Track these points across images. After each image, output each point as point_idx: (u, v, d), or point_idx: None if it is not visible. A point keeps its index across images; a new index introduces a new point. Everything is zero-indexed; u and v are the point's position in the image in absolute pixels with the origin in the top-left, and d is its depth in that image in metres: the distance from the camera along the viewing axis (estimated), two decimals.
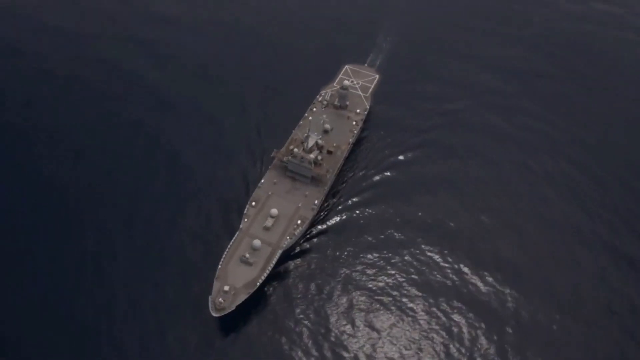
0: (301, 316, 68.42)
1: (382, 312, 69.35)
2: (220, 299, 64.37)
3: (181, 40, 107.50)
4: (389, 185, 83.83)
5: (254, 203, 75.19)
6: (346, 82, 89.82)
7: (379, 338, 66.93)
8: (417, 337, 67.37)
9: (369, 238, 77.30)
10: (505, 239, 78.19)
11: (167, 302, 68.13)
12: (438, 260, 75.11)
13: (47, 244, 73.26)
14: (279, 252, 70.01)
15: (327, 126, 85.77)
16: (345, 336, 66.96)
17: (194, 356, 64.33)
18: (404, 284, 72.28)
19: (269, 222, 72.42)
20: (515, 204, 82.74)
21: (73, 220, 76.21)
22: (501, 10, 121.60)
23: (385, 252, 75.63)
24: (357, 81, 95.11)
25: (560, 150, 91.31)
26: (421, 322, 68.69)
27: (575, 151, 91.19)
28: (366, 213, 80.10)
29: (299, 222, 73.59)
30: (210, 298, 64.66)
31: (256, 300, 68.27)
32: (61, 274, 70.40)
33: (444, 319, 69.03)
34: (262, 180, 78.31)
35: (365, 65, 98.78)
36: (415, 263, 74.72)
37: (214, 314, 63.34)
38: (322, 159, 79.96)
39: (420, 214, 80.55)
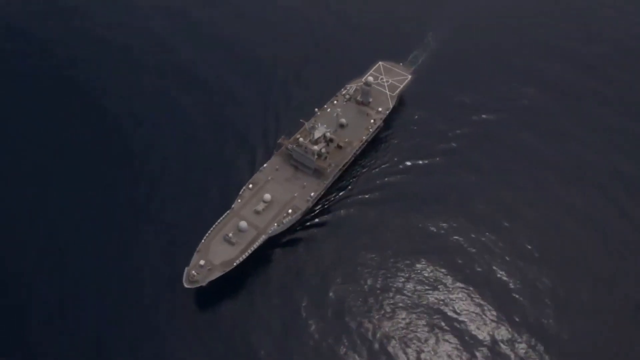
0: (277, 302, 69.40)
1: (360, 308, 69.26)
2: (194, 272, 66.73)
3: (225, 20, 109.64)
4: (397, 189, 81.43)
5: (251, 186, 76.47)
6: (370, 79, 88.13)
7: (349, 331, 67.10)
8: (390, 331, 67.10)
9: (364, 239, 76.05)
10: (505, 265, 74.34)
11: (148, 271, 71.29)
12: (426, 273, 72.94)
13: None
14: (263, 237, 71.03)
15: (343, 120, 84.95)
16: (315, 327, 67.05)
17: (163, 323, 67.30)
18: (386, 289, 71.19)
19: (260, 207, 73.48)
20: (528, 233, 77.71)
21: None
22: (566, 22, 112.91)
23: (376, 255, 74.26)
24: (387, 79, 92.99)
25: (594, 182, 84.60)
26: (399, 319, 68.24)
27: (612, 186, 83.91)
28: (368, 213, 78.58)
29: (290, 211, 74.05)
30: (186, 269, 67.13)
31: (236, 282, 70.11)
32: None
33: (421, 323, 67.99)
34: (265, 165, 79.31)
35: (401, 64, 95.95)
36: (401, 272, 72.86)
37: (186, 285, 65.71)
38: (328, 152, 79.57)
39: (420, 225, 77.49)
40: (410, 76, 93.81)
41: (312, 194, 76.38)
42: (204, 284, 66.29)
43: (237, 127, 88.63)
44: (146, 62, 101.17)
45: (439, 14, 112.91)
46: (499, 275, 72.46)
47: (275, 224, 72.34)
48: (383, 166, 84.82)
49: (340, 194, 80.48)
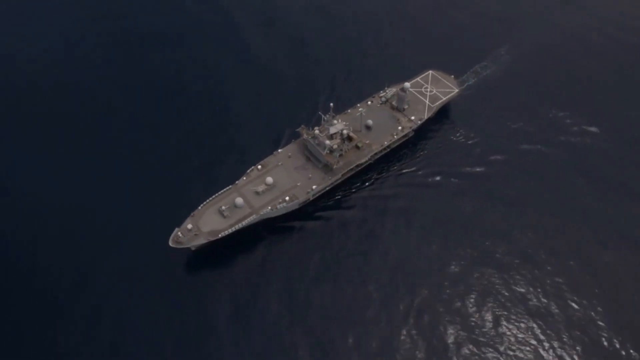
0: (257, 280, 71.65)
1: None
2: (180, 234, 71.04)
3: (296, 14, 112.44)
4: (404, 202, 78.84)
5: (260, 166, 78.91)
6: (407, 85, 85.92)
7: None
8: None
9: (354, 240, 75.23)
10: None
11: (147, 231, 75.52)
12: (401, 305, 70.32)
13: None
14: (254, 216, 73.26)
15: (370, 122, 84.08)
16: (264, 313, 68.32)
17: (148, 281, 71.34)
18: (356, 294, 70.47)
19: (261, 188, 75.68)
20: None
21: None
22: None
23: (361, 262, 73.47)
24: (432, 89, 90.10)
25: None
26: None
27: None
28: (365, 220, 77.13)
29: (287, 198, 75.47)
30: (176, 229, 71.68)
31: (228, 253, 73.42)
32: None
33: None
34: (279, 150, 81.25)
35: (452, 76, 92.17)
36: (381, 293, 70.82)
37: (170, 244, 69.82)
38: (342, 150, 79.57)
39: (414, 251, 73.83)
40: (457, 90, 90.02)
41: (314, 186, 77.02)
42: (187, 246, 70.24)
43: (272, 111, 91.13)
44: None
45: (514, 32, 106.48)
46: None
47: (269, 207, 74.24)
48: (399, 176, 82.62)
49: (351, 194, 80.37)
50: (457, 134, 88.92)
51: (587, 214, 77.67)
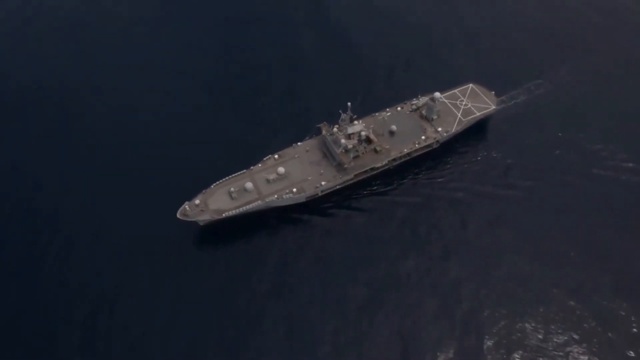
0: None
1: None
2: (187, 207, 75.31)
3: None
4: (410, 213, 77.90)
5: (277, 156, 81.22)
6: (437, 94, 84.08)
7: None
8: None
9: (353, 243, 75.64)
10: None
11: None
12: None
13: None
14: (259, 202, 75.76)
15: (394, 127, 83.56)
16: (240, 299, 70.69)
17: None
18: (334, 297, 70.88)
19: (272, 176, 77.95)
20: None
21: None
22: None
23: (356, 263, 73.88)
24: (467, 102, 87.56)
25: None
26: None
27: None
28: (360, 224, 77.49)
29: (294, 190, 77.17)
30: (185, 203, 76.06)
31: (236, 234, 76.55)
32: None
33: None
34: (299, 143, 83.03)
35: (493, 92, 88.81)
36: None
37: (177, 215, 74.23)
38: (358, 151, 79.82)
39: (403, 267, 72.80)
40: (493, 107, 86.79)
41: (323, 183, 78.09)
42: (193, 219, 74.28)
43: (309, 101, 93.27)
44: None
45: (579, 54, 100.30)
46: None
47: (276, 196, 76.44)
48: (419, 186, 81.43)
49: (368, 195, 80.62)
50: (492, 152, 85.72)
51: (605, 253, 72.17)
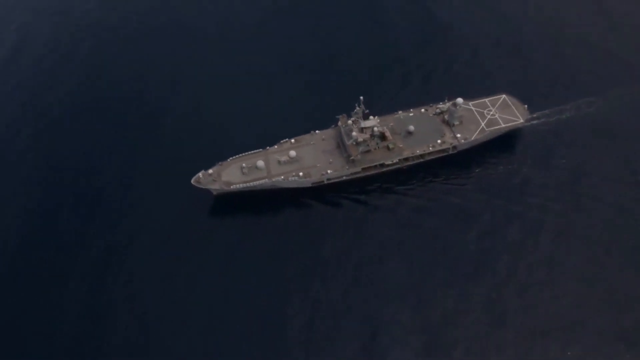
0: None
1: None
2: (201, 175, 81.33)
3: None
4: (412, 215, 78.28)
5: (293, 140, 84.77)
6: (459, 100, 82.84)
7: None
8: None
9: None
10: None
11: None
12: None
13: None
14: (266, 180, 79.93)
15: (411, 128, 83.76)
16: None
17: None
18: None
19: (283, 158, 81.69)
20: None
21: None
22: None
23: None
24: (495, 113, 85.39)
25: None
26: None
27: None
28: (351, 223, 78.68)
29: (300, 174, 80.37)
30: (201, 171, 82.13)
31: (245, 208, 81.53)
32: None
33: None
34: (317, 131, 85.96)
35: (525, 106, 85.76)
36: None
37: (192, 181, 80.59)
38: (369, 146, 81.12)
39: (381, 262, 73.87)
40: (521, 121, 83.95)
41: (330, 171, 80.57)
42: (205, 187, 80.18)
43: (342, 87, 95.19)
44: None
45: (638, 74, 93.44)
46: None
47: (282, 177, 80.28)
48: (434, 189, 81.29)
49: (367, 191, 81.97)
50: (522, 167, 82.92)
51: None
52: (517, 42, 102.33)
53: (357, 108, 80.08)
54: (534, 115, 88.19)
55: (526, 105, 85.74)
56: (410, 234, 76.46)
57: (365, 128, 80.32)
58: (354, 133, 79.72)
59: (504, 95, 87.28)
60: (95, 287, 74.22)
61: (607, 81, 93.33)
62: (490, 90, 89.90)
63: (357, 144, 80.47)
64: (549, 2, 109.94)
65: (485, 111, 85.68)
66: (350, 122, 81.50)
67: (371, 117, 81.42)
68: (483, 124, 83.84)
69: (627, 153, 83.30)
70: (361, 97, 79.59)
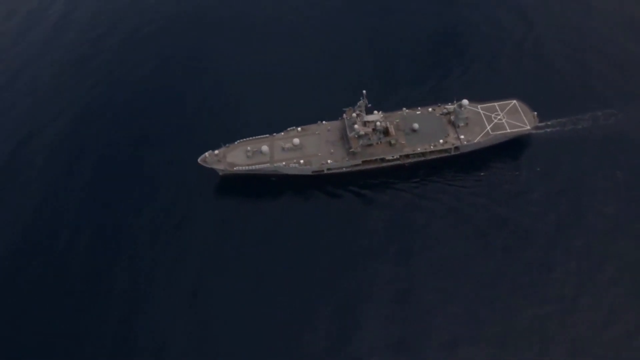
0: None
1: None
2: (207, 154, 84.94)
3: None
4: (403, 213, 78.93)
5: (300, 129, 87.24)
6: (464, 101, 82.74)
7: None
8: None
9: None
10: None
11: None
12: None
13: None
14: (268, 165, 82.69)
15: (416, 125, 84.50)
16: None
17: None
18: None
19: (287, 145, 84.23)
20: None
21: None
22: None
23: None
24: (502, 117, 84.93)
25: None
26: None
27: None
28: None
29: (302, 161, 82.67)
30: (209, 151, 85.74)
31: (249, 192, 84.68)
32: None
33: None
34: (324, 122, 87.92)
35: (535, 113, 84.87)
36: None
37: (198, 160, 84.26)
38: (371, 140, 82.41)
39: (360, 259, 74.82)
40: (528, 127, 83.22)
41: (330, 161, 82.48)
42: (210, 166, 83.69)
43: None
44: None
45: None
46: None
47: (284, 163, 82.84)
48: (433, 189, 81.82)
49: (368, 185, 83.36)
50: (526, 174, 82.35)
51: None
52: (539, 48, 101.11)
53: (360, 101, 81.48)
54: (549, 123, 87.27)
55: (536, 113, 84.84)
56: (400, 230, 77.26)
57: (368, 122, 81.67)
58: (356, 126, 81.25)
59: (514, 101, 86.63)
60: (100, 257, 78.34)
61: (629, 94, 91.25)
62: (505, 94, 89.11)
63: (359, 136, 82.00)
64: (575, 11, 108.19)
65: (492, 115, 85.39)
66: (354, 115, 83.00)
67: (375, 111, 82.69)
68: (488, 128, 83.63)
69: (637, 169, 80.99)
70: (364, 91, 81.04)
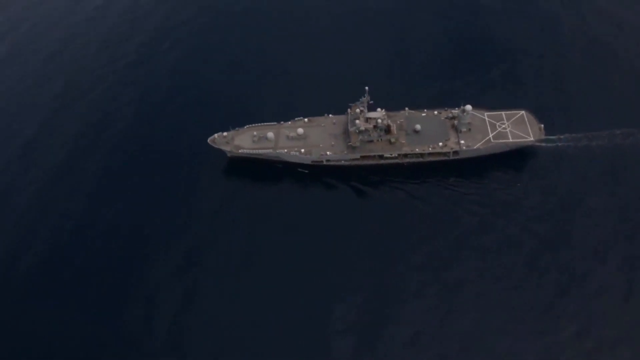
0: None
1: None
2: (216, 135, 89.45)
3: None
4: (395, 211, 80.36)
5: (306, 120, 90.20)
6: (468, 107, 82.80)
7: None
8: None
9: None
10: None
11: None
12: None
13: None
14: (271, 151, 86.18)
15: (418, 127, 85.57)
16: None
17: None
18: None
19: (292, 134, 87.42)
20: None
21: None
22: None
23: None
24: (507, 126, 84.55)
25: None
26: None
27: None
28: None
29: (302, 150, 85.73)
30: (219, 132, 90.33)
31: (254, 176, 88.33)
32: None
33: None
34: (330, 115, 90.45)
35: (542, 125, 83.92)
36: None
37: (208, 140, 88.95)
38: (371, 136, 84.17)
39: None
40: (531, 139, 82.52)
41: (329, 153, 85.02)
42: (219, 147, 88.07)
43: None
44: None
45: None
46: None
47: (286, 150, 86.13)
48: (415, 188, 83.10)
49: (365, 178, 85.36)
50: (526, 185, 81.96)
51: None
52: (561, 61, 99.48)
53: (363, 98, 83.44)
54: (561, 137, 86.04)
55: (542, 125, 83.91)
56: (389, 227, 78.76)
57: (370, 118, 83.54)
58: (357, 121, 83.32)
59: (523, 112, 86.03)
60: (110, 231, 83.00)
61: None
62: (520, 104, 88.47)
63: (359, 132, 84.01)
64: (603, 26, 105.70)
65: (498, 123, 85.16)
66: (358, 110, 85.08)
67: (379, 109, 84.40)
68: (490, 136, 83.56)
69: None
70: (366, 88, 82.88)
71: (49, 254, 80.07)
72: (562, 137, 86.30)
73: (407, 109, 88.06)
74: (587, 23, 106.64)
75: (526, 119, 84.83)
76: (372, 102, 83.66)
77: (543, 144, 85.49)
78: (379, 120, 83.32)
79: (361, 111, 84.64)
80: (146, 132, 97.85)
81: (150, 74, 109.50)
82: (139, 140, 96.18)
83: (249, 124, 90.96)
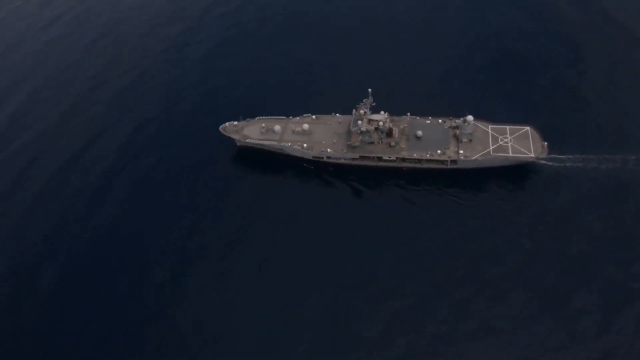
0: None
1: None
2: (227, 124, 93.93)
3: None
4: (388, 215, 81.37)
5: (314, 117, 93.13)
6: (469, 117, 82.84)
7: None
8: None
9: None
10: None
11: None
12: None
13: None
14: (276, 143, 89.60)
15: (420, 133, 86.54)
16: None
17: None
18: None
19: (298, 129, 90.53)
20: None
21: None
22: None
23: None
24: (508, 141, 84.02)
25: None
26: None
27: None
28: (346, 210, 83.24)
29: (304, 145, 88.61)
30: (230, 121, 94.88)
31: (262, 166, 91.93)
32: None
33: None
34: (337, 114, 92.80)
35: (545, 143, 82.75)
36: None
37: (219, 128, 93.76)
38: (371, 138, 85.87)
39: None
40: (532, 156, 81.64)
41: (329, 150, 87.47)
42: (229, 135, 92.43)
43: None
44: None
45: None
46: None
47: (289, 143, 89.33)
48: (413, 194, 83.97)
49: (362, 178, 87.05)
50: (522, 203, 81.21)
51: None
52: (581, 80, 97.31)
53: (366, 99, 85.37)
54: (571, 157, 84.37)
55: (546, 143, 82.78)
56: (382, 227, 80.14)
57: (372, 120, 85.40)
58: (359, 122, 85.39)
59: (528, 128, 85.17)
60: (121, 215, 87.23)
61: None
62: (531, 121, 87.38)
63: (360, 132, 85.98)
64: (630, 49, 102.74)
65: (500, 137, 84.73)
66: (362, 112, 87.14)
67: (382, 112, 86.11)
68: (491, 148, 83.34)
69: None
70: (369, 90, 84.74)
71: (66, 227, 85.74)
72: (571, 157, 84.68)
73: (409, 114, 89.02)
74: (612, 43, 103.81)
75: (530, 135, 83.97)
76: (374, 104, 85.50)
77: (550, 163, 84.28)
78: (381, 123, 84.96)
79: (365, 113, 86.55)
80: (168, 116, 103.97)
81: (183, 62, 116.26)
82: (159, 123, 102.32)
83: (260, 116, 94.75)
